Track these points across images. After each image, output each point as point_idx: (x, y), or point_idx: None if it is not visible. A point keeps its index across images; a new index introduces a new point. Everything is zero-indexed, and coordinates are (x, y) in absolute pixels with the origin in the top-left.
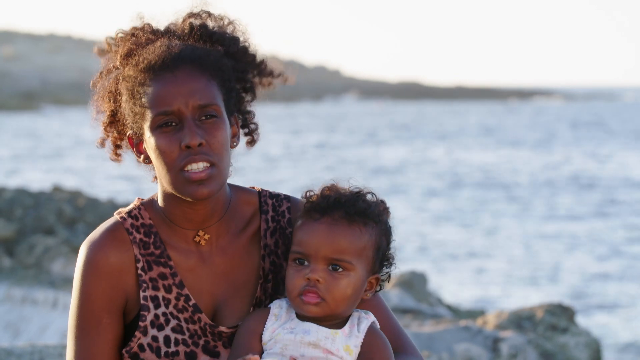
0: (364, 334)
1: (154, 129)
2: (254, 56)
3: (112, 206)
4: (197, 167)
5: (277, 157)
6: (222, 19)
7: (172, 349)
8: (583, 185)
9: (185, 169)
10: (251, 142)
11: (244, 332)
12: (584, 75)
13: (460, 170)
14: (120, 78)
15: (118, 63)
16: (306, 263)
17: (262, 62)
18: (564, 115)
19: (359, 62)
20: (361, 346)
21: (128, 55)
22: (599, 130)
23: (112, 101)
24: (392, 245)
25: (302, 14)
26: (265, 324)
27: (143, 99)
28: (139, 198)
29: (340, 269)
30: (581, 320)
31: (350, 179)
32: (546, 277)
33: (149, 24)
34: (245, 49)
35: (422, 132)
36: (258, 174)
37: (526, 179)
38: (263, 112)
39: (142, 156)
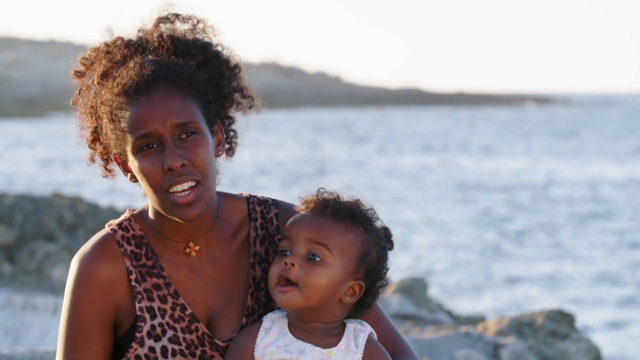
0: (363, 349)
1: (135, 152)
2: (227, 61)
3: (113, 212)
4: (182, 187)
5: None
6: (190, 18)
7: (170, 359)
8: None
9: (171, 191)
10: (229, 151)
11: (235, 352)
12: (586, 81)
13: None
14: (100, 96)
15: (96, 82)
16: (287, 253)
17: (236, 66)
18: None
19: (359, 68)
20: None
21: (104, 75)
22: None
23: (93, 117)
24: (385, 265)
25: (302, 20)
26: (255, 340)
27: (122, 124)
28: (129, 209)
29: (319, 259)
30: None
31: (359, 195)
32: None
33: (120, 37)
34: (217, 54)
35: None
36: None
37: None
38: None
39: (129, 174)
